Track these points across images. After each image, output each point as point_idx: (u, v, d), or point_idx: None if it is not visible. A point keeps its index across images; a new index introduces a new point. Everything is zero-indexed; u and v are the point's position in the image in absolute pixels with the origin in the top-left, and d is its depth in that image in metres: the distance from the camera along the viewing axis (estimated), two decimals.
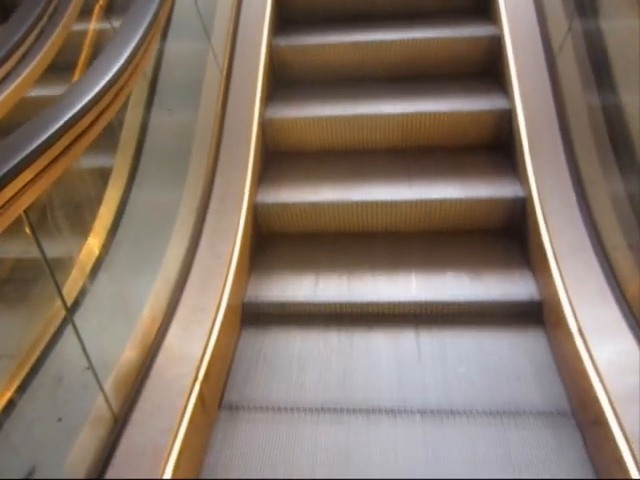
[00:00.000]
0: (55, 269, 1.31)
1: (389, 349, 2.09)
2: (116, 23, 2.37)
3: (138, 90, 2.14)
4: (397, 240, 2.48)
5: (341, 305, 2.23)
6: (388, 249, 2.44)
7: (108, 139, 1.98)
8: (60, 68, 2.26)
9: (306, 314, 2.25)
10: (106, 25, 2.58)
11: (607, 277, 1.80)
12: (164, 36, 2.27)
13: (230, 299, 2.06)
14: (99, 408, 1.51)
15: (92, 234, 1.89)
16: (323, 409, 1.89)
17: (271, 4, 3.03)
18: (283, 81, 3.05)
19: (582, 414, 1.74)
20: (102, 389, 1.49)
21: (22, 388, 1.48)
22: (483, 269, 2.28)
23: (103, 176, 2.06)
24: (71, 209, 1.86)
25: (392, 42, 2.88)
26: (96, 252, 1.84)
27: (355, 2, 3.17)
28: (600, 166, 1.99)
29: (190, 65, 2.58)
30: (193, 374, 1.73)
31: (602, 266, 1.84)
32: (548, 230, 2.06)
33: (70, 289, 1.58)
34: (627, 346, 1.63)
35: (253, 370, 2.05)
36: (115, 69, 1.47)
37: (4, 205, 1.04)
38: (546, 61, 2.46)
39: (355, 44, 2.92)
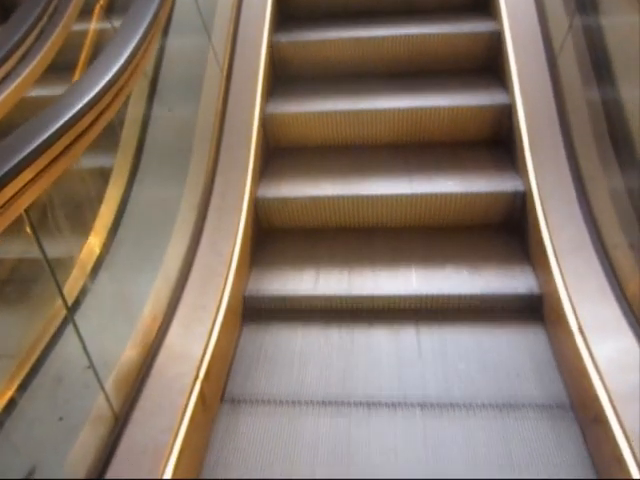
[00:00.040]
0: (56, 268, 1.32)
1: (390, 345, 2.10)
2: (117, 23, 2.37)
3: (139, 86, 2.14)
4: (397, 235, 2.49)
5: (341, 299, 2.24)
6: (388, 244, 2.45)
7: (109, 138, 1.99)
8: (60, 68, 2.26)
9: (307, 309, 2.26)
10: (106, 25, 2.58)
11: (607, 274, 1.80)
12: (165, 33, 2.27)
13: (231, 297, 2.07)
14: (100, 407, 1.51)
15: (93, 233, 1.89)
16: (324, 402, 1.91)
17: (272, 1, 3.03)
18: (284, 77, 3.05)
19: (582, 412, 1.75)
20: (103, 388, 1.49)
21: (23, 387, 1.49)
22: (483, 264, 2.29)
23: (104, 175, 2.06)
24: (72, 208, 1.86)
25: (392, 38, 2.89)
26: (97, 251, 1.84)
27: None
28: (600, 163, 1.99)
29: (190, 62, 2.58)
30: (194, 373, 1.74)
31: (602, 263, 1.84)
32: (548, 227, 2.06)
33: (71, 288, 1.58)
34: (627, 344, 1.63)
35: (254, 367, 2.06)
36: (115, 69, 1.47)
37: (4, 204, 1.04)
38: (547, 60, 2.46)
39: (356, 40, 2.92)
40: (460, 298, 2.18)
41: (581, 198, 2.04)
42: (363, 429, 1.81)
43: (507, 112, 2.59)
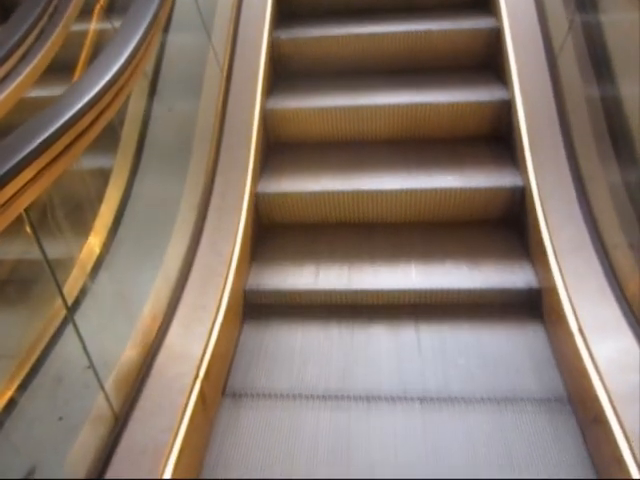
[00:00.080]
0: (55, 268, 1.32)
1: (389, 341, 2.11)
2: (117, 23, 2.37)
3: (139, 86, 2.14)
4: (397, 231, 2.51)
5: (341, 294, 2.25)
6: (388, 240, 2.47)
7: (109, 138, 1.99)
8: (60, 68, 2.26)
9: (307, 305, 2.27)
10: (107, 25, 2.58)
11: (607, 275, 1.80)
12: (165, 32, 2.27)
13: (231, 297, 2.07)
14: (100, 407, 1.51)
15: (93, 233, 1.89)
16: (324, 397, 1.92)
17: None
18: (284, 74, 3.06)
19: (582, 412, 1.75)
20: (103, 388, 1.49)
21: (23, 387, 1.49)
22: (482, 260, 2.30)
23: (104, 174, 2.06)
24: (71, 208, 1.86)
25: (393, 34, 2.89)
26: (97, 251, 1.84)
27: None
28: (600, 162, 1.99)
29: (191, 61, 2.58)
30: (194, 372, 1.73)
31: (602, 263, 1.84)
32: (548, 227, 2.06)
33: (71, 288, 1.58)
34: (627, 344, 1.63)
35: (254, 365, 2.07)
36: (115, 69, 1.47)
37: (5, 204, 1.04)
38: (547, 59, 2.46)
39: (356, 36, 2.93)
40: (460, 293, 2.19)
41: (581, 198, 2.04)
42: (363, 423, 1.83)
43: (506, 108, 2.59)
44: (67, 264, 1.72)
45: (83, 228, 1.89)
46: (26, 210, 1.16)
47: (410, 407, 1.86)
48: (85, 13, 2.40)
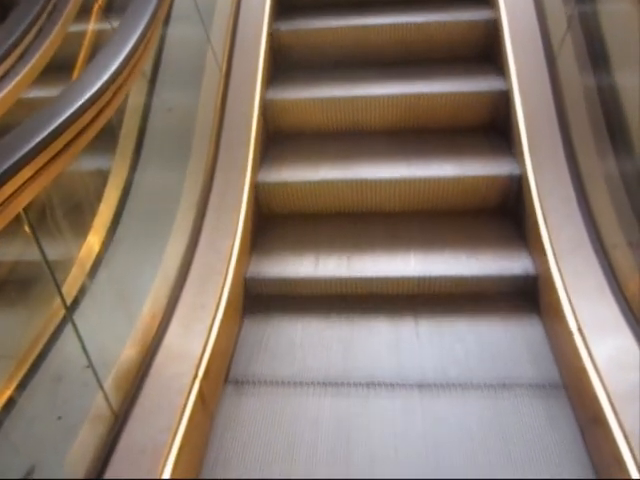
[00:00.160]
0: (54, 267, 1.31)
1: (388, 330, 2.13)
2: (115, 23, 2.36)
3: (137, 83, 2.13)
4: (396, 220, 2.52)
5: (340, 282, 2.26)
6: (387, 229, 2.47)
7: (107, 136, 1.98)
8: (59, 67, 2.25)
9: (307, 295, 2.29)
10: (105, 25, 2.57)
11: (606, 274, 1.80)
12: (165, 23, 2.26)
13: (230, 293, 2.06)
14: (99, 406, 1.51)
15: (92, 231, 1.89)
16: (325, 383, 1.95)
17: None
18: (284, 65, 3.06)
19: (581, 411, 1.75)
20: (102, 387, 1.49)
21: (22, 386, 1.48)
22: (481, 248, 2.31)
23: (102, 173, 2.06)
24: (71, 206, 1.85)
25: (392, 26, 2.90)
26: (96, 249, 1.84)
27: None
28: (600, 161, 1.99)
29: (191, 52, 2.58)
30: (193, 372, 1.73)
31: (601, 262, 1.84)
32: (547, 226, 2.06)
33: (70, 287, 1.58)
34: (626, 343, 1.63)
35: (255, 357, 2.08)
36: (114, 67, 1.47)
37: (3, 203, 1.04)
38: (544, 49, 2.48)
39: (355, 28, 2.94)
40: (458, 280, 2.21)
41: (580, 197, 2.04)
42: (362, 409, 1.85)
43: (504, 99, 2.60)
44: (66, 263, 1.72)
45: (82, 227, 1.89)
46: (25, 209, 1.15)
47: (409, 393, 1.89)
48: (84, 12, 2.40)
